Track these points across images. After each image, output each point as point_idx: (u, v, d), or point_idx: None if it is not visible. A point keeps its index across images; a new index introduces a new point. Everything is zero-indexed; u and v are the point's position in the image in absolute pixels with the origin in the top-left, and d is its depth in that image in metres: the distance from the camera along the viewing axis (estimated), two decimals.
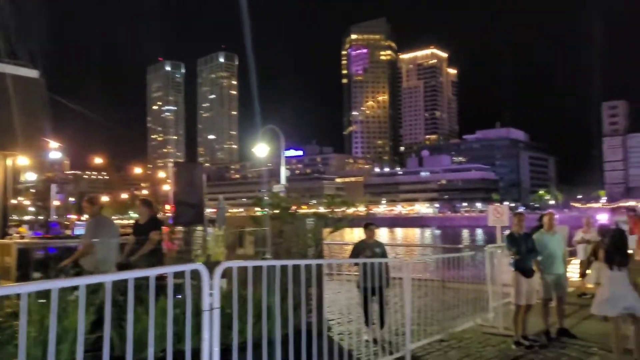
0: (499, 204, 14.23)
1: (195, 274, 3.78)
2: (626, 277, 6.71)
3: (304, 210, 10.32)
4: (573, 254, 12.46)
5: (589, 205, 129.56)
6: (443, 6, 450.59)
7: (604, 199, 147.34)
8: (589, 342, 7.89)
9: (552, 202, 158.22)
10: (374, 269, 6.88)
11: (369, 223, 8.54)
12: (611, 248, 6.88)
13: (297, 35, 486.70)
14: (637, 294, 6.69)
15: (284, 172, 17.76)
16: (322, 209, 8.68)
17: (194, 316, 3.79)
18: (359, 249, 8.18)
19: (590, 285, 10.15)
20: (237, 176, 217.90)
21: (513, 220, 8.54)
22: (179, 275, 3.84)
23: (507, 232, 9.01)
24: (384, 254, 8.30)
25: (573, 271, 11.77)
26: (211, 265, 3.88)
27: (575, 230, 12.36)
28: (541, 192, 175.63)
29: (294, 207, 7.65)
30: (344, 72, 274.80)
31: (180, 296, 4.32)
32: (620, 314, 6.71)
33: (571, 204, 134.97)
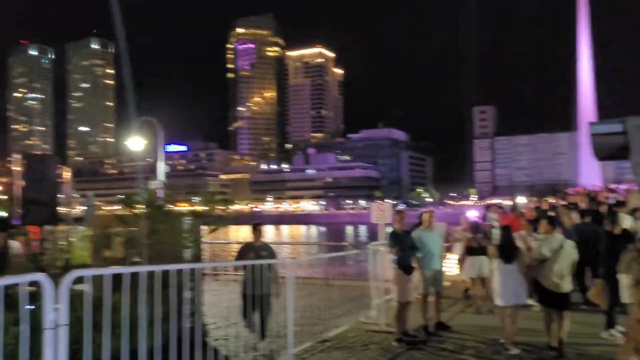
0: (381, 202, 14.51)
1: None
2: (517, 270, 7.16)
3: (181, 208, 9.59)
4: (449, 250, 13.04)
5: (461, 202, 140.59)
6: (330, 7, 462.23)
7: (474, 197, 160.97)
8: (465, 335, 8.20)
9: (429, 199, 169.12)
10: (260, 275, 6.49)
11: (257, 224, 7.89)
12: (504, 244, 7.34)
13: (181, 24, 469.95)
14: (526, 285, 7.28)
15: (162, 167, 16.67)
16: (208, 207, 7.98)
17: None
18: (243, 252, 7.48)
19: (465, 279, 10.65)
20: (114, 171, 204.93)
21: (395, 217, 8.60)
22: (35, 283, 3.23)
23: (389, 229, 9.09)
24: (271, 258, 7.48)
25: (449, 267, 12.29)
26: (58, 274, 3.27)
27: (453, 226, 12.92)
28: (419, 190, 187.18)
29: (170, 205, 6.99)
30: (230, 66, 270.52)
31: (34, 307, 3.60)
32: (511, 305, 7.21)
33: (445, 201, 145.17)
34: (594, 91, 53.99)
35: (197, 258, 6.98)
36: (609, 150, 3.32)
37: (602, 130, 3.21)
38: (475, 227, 10.05)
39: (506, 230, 7.64)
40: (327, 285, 11.25)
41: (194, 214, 7.30)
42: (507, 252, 7.24)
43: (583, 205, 13.21)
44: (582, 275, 9.20)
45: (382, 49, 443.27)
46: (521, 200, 29.07)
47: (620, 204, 14.36)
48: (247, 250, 7.45)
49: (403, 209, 8.91)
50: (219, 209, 7.30)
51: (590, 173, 50.14)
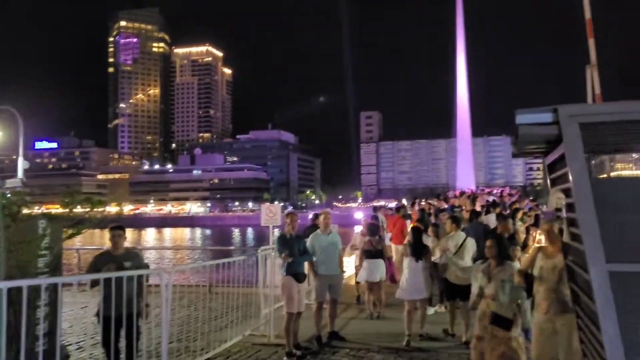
0: (271, 203, 13.80)
1: None
2: (423, 268, 7.68)
3: (34, 210, 8.12)
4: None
5: (348, 205, 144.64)
6: (220, 5, 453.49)
7: (360, 199, 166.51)
8: (357, 344, 7.76)
9: (317, 201, 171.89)
10: (124, 291, 5.42)
11: (116, 227, 6.14)
12: (414, 243, 7.74)
13: (57, 12, 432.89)
14: (429, 282, 7.80)
15: (21, 164, 14.54)
16: (68, 209, 6.61)
17: None
18: (99, 264, 5.89)
19: (360, 284, 10.35)
20: None
21: (285, 220, 7.91)
22: None
23: (277, 232, 8.47)
24: (139, 269, 6.00)
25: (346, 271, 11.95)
26: None
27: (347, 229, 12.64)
28: (308, 192, 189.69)
29: (23, 207, 5.69)
30: (111, 60, 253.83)
31: None
32: (415, 299, 7.67)
33: (333, 203, 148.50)
34: (470, 101, 58.02)
35: (55, 267, 5.74)
36: (535, 143, 2.86)
37: (530, 120, 2.75)
38: (372, 230, 9.73)
39: (416, 230, 8.00)
40: (211, 293, 10.35)
41: (49, 216, 6.01)
42: (418, 250, 7.65)
43: (468, 206, 13.69)
44: None
45: (271, 50, 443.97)
46: (391, 203, 30.19)
47: (496, 205, 15.45)
48: (103, 261, 5.88)
49: (294, 211, 8.25)
50: (84, 211, 6.11)
51: (466, 177, 53.74)
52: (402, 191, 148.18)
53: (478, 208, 13.72)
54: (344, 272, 9.48)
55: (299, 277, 7.51)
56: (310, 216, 13.09)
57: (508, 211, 14.86)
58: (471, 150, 61.23)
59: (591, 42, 11.76)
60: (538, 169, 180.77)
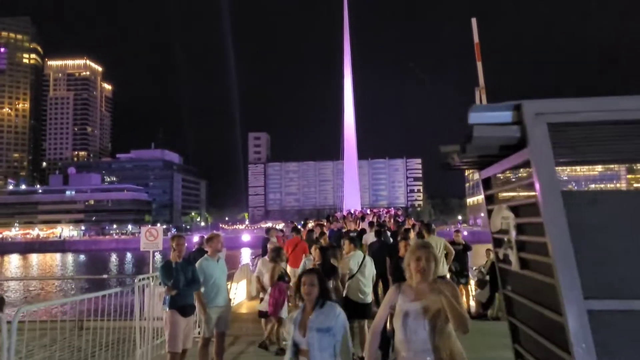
0: (153, 226, 12.45)
1: None
2: (333, 290, 7.37)
3: None
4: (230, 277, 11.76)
5: (235, 227, 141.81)
6: (101, 17, 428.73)
7: (247, 221, 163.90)
8: None
9: (202, 224, 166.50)
10: None
11: None
12: (324, 263, 7.55)
13: None
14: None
15: None
16: None
17: None
18: None
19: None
20: None
21: (170, 244, 6.82)
22: None
23: (159, 257, 7.34)
24: None
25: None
26: None
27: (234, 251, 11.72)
28: (193, 214, 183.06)
29: None
30: None
31: None
32: None
33: (220, 225, 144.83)
34: (356, 124, 59.65)
35: None
36: (488, 148, 2.27)
37: (486, 119, 2.14)
38: (276, 254, 8.91)
39: (325, 250, 7.87)
40: (80, 328, 8.84)
41: None
42: (328, 270, 7.28)
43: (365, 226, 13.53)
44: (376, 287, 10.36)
45: (156, 67, 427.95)
46: (279, 225, 29.95)
47: (380, 225, 15.59)
48: None
49: (181, 234, 7.16)
50: None
51: (352, 199, 54.79)
52: (289, 212, 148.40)
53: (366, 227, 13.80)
54: (231, 301, 8.58)
55: (186, 311, 6.50)
56: (196, 239, 11.90)
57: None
58: (357, 172, 62.83)
59: (479, 65, 12.16)
60: (419, 191, 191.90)
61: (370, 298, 7.82)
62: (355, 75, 62.71)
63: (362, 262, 7.75)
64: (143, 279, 7.63)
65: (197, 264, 6.96)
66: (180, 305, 6.42)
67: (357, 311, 7.54)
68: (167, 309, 6.37)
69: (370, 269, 7.87)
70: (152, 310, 7.59)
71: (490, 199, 3.18)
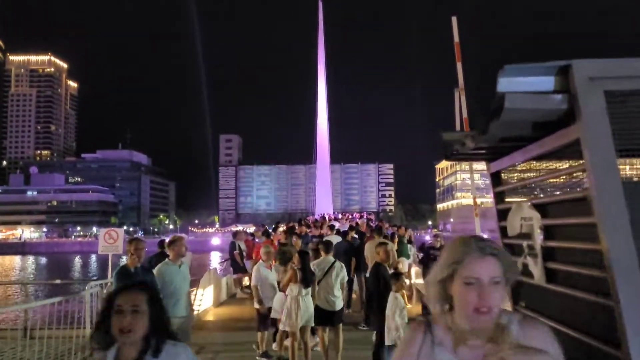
0: (113, 228, 11.63)
1: None
2: (310, 295, 7.15)
3: None
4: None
5: (205, 230, 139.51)
6: (67, 13, 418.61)
7: (217, 224, 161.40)
8: None
9: (171, 226, 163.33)
10: None
11: None
12: (304, 268, 7.10)
13: None
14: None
15: None
16: None
17: None
18: None
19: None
20: None
21: (127, 248, 6.13)
22: None
23: (124, 261, 6.67)
24: None
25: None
26: None
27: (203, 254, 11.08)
28: (161, 216, 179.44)
29: None
30: None
31: None
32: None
33: (189, 228, 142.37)
34: (329, 128, 59.45)
35: None
36: (522, 124, 1.73)
37: (519, 87, 1.56)
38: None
39: (305, 254, 7.44)
40: (31, 337, 8.03)
41: None
42: (308, 276, 7.12)
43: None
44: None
45: (125, 65, 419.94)
46: (249, 228, 29.38)
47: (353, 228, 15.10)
48: None
49: (140, 237, 6.44)
50: None
51: (325, 203, 54.45)
52: (261, 216, 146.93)
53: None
54: (194, 311, 7.91)
55: None
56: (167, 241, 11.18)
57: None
58: (329, 176, 62.64)
59: (459, 66, 11.76)
60: (390, 196, 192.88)
61: (339, 304, 7.53)
62: (329, 79, 62.52)
63: (329, 267, 7.49)
64: (95, 285, 6.88)
65: (156, 270, 6.28)
66: None
67: (323, 318, 7.34)
68: None
69: (339, 274, 7.56)
70: None
71: (500, 197, 2.64)
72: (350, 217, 32.99)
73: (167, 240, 6.68)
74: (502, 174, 2.59)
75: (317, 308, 7.27)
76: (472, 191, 11.59)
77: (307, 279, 7.07)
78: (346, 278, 7.71)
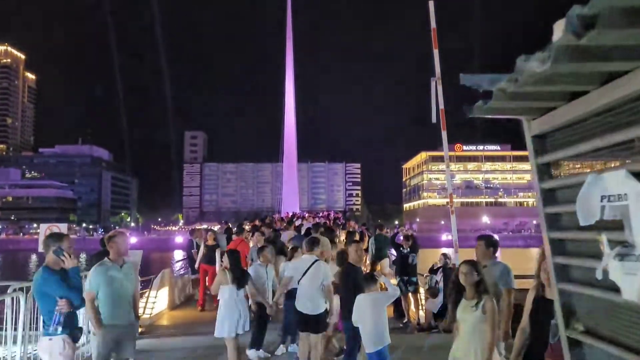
0: (55, 224, 10.52)
1: None
2: (244, 297, 6.75)
3: None
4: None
5: (168, 228, 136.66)
6: (25, 2, 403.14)
7: (181, 222, 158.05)
8: None
9: (132, 224, 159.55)
10: None
11: None
12: (235, 268, 6.74)
13: None
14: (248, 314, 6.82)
15: None
16: None
17: None
18: None
19: None
20: None
21: (43, 245, 5.13)
22: None
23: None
24: None
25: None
26: None
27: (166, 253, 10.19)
28: (122, 214, 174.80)
29: None
30: None
31: None
32: (237, 335, 6.57)
33: (152, 226, 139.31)
34: (297, 126, 58.70)
35: None
36: (616, 52, 0.92)
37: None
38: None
39: (235, 253, 7.01)
40: None
41: None
42: (240, 276, 6.70)
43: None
44: None
45: (85, 58, 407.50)
46: (214, 226, 28.74)
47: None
48: None
49: (66, 234, 5.43)
50: None
51: (291, 202, 53.63)
52: (226, 214, 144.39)
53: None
54: (140, 317, 7.00)
55: (76, 335, 4.88)
56: (133, 240, 10.20)
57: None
58: (296, 175, 61.97)
59: (436, 53, 11.11)
60: (357, 196, 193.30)
61: (321, 309, 6.80)
62: (297, 77, 61.53)
63: (307, 267, 6.83)
64: (17, 286, 5.83)
65: (91, 270, 5.32)
66: (68, 324, 4.79)
67: (306, 324, 6.81)
68: (51, 336, 4.69)
69: (322, 274, 6.82)
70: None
71: (546, 171, 1.86)
72: (317, 215, 32.33)
73: (106, 236, 5.68)
74: (547, 138, 1.82)
75: (297, 312, 6.83)
76: (449, 188, 10.91)
77: (239, 279, 6.65)
78: (330, 279, 6.98)
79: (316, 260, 6.94)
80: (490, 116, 1.87)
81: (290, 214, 29.78)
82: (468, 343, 4.26)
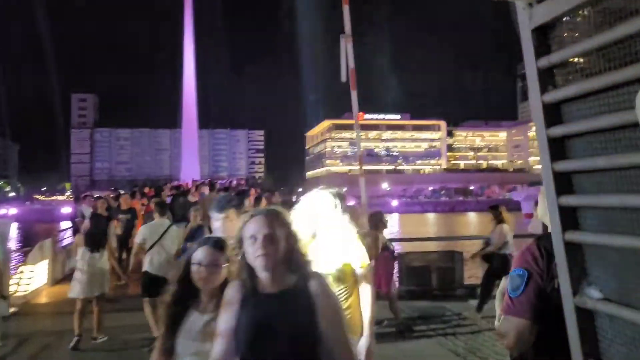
0: None
1: None
2: (101, 260, 6.93)
3: None
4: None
5: (54, 197, 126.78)
6: None
7: (69, 192, 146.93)
8: None
9: (12, 194, 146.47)
10: None
11: None
12: (94, 231, 7.01)
13: None
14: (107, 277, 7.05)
15: None
16: None
17: None
18: None
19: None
20: None
21: None
22: None
23: None
24: None
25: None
26: None
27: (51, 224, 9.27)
28: (1, 182, 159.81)
29: None
30: None
31: None
32: (91, 296, 6.83)
33: (34, 196, 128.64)
34: (197, 92, 56.50)
35: None
36: None
37: None
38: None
39: (98, 217, 7.36)
40: None
41: None
42: (96, 239, 6.95)
43: None
44: None
45: None
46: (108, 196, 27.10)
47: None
48: None
49: None
50: None
51: (191, 169, 51.80)
52: (120, 183, 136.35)
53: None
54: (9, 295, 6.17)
55: None
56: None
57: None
58: (197, 142, 60.02)
59: (346, 10, 10.55)
60: (260, 163, 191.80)
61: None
62: (197, 38, 58.59)
63: (163, 230, 6.88)
64: None
65: None
66: None
67: (160, 286, 6.04)
68: None
69: (175, 240, 6.87)
70: None
71: (549, 80, 1.33)
72: (225, 182, 31.44)
73: None
74: (556, 28, 1.28)
75: (148, 275, 6.63)
76: (358, 147, 10.47)
77: (94, 242, 6.91)
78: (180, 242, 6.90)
79: (171, 224, 7.17)
80: None
81: (190, 182, 28.53)
82: None
